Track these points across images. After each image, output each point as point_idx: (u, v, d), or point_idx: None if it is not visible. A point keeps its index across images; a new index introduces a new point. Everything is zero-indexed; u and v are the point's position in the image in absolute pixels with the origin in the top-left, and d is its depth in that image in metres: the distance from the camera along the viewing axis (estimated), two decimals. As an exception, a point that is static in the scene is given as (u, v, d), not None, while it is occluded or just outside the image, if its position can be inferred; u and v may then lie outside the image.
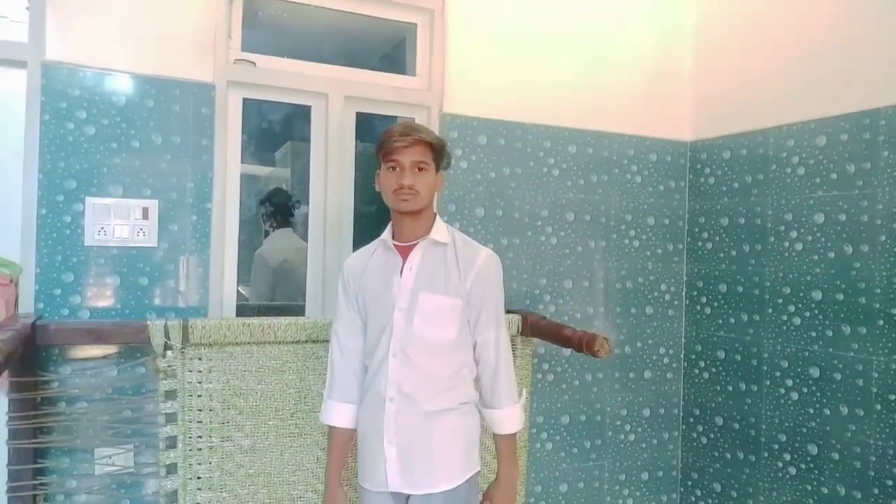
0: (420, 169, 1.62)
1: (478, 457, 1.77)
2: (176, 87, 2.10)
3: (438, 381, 1.66)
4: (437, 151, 1.66)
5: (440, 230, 1.70)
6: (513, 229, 2.59)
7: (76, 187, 1.99)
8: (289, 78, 2.32)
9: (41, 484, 1.90)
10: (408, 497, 1.68)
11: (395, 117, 2.53)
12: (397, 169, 1.62)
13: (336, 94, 2.38)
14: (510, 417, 1.72)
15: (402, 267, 1.67)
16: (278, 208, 3.41)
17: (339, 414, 1.75)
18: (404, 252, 1.69)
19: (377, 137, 1.68)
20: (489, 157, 2.54)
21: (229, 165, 2.24)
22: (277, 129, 4.20)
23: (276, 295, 3.24)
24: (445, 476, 1.66)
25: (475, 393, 1.74)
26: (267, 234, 3.56)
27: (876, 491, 2.15)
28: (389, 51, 3.06)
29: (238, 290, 2.34)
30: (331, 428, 1.78)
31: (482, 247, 1.74)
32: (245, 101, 2.29)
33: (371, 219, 2.86)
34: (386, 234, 1.73)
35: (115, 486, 2.03)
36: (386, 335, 1.65)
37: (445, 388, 1.67)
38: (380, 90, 2.46)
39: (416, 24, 2.54)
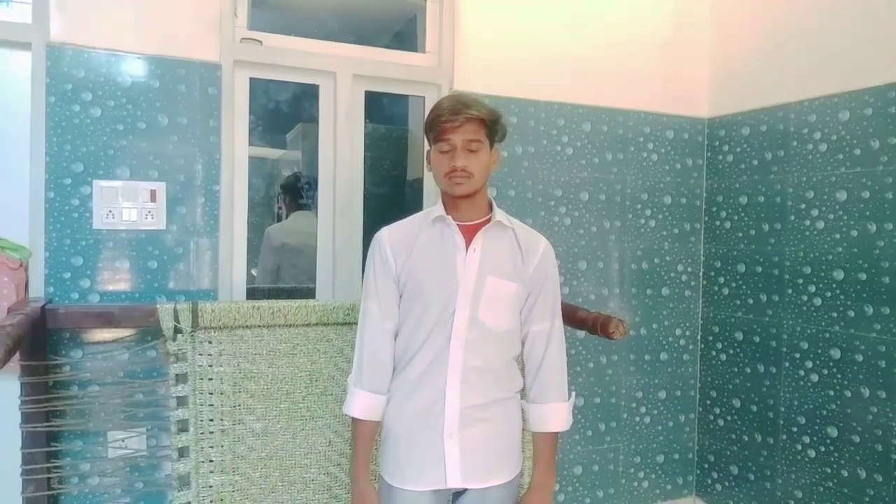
0: (472, 150, 1.50)
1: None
2: (181, 67, 2.07)
3: (497, 369, 1.57)
4: (491, 126, 1.53)
5: (501, 213, 1.60)
6: (526, 209, 2.54)
7: (83, 170, 1.97)
8: (296, 56, 2.28)
9: (55, 467, 1.91)
10: (454, 494, 1.61)
11: (406, 96, 2.49)
12: (448, 150, 1.50)
13: (344, 73, 2.34)
14: (558, 414, 1.62)
15: (467, 248, 1.55)
16: (288, 190, 3.39)
17: (370, 405, 1.58)
18: (466, 232, 1.56)
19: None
20: (501, 135, 2.49)
21: (237, 146, 2.21)
22: (288, 111, 4.16)
23: (280, 274, 3.22)
24: (505, 466, 1.60)
25: (522, 381, 1.67)
26: (279, 216, 3.53)
27: (898, 474, 2.11)
28: (401, 28, 3.00)
29: (251, 273, 2.32)
30: (358, 420, 1.60)
31: (538, 233, 1.65)
32: (252, 80, 2.26)
33: (381, 200, 2.82)
34: (439, 209, 1.58)
35: (128, 469, 2.04)
36: (444, 321, 1.52)
37: (503, 377, 1.59)
38: (389, 68, 2.41)
39: (425, 0, 2.48)
